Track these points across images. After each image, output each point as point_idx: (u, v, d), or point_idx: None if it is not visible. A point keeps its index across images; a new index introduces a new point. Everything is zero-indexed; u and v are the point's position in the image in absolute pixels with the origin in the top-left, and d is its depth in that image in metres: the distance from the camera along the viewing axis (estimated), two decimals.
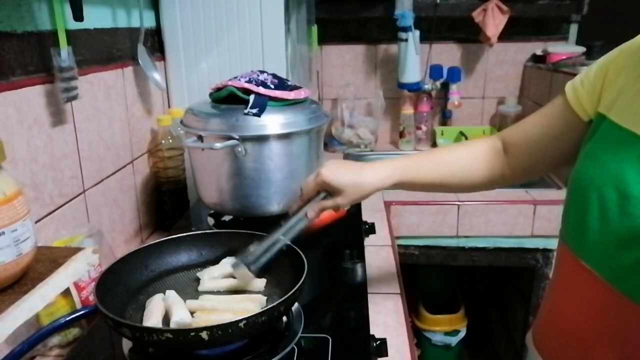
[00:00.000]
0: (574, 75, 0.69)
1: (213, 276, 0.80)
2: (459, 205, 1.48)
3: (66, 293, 0.80)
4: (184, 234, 0.86)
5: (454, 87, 1.97)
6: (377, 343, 0.74)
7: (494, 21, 1.84)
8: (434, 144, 2.05)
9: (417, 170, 0.79)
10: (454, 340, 1.88)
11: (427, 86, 1.97)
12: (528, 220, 1.47)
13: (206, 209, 1.19)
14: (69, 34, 0.88)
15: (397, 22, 1.82)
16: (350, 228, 1.15)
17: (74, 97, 0.90)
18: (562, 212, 0.65)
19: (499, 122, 2.05)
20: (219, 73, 1.31)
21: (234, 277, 0.81)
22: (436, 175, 0.79)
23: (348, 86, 2.02)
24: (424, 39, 1.89)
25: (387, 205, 1.45)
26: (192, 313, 0.70)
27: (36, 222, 0.81)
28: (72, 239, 0.86)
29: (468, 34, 1.97)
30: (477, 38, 1.93)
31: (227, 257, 0.84)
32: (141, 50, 1.17)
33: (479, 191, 0.81)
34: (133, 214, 1.20)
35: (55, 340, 0.81)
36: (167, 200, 1.27)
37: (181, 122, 1.05)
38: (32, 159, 0.82)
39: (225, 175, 1.02)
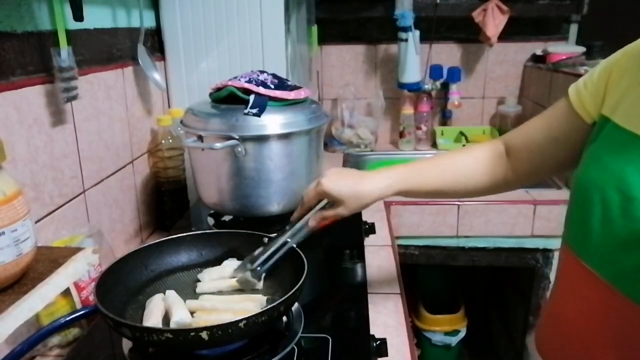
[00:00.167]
0: (574, 75, 0.69)
1: (212, 278, 0.80)
2: (459, 205, 1.48)
3: (66, 293, 0.80)
4: (184, 234, 0.86)
5: (454, 87, 1.97)
6: (377, 343, 0.74)
7: (494, 21, 1.84)
8: (434, 144, 2.05)
9: (418, 178, 0.78)
10: (454, 340, 1.88)
11: (427, 86, 1.96)
12: (528, 220, 1.47)
13: (206, 209, 1.19)
14: (69, 34, 0.88)
15: (397, 22, 1.82)
16: (350, 228, 1.15)
17: (74, 97, 0.90)
18: (565, 215, 0.65)
19: (499, 122, 2.05)
20: (219, 73, 1.31)
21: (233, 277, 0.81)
22: (438, 182, 0.78)
23: (348, 86, 2.02)
24: (424, 39, 1.89)
25: (387, 205, 1.45)
26: (192, 313, 0.70)
27: (36, 222, 0.81)
28: (72, 239, 0.86)
29: (468, 34, 1.97)
30: (477, 38, 1.93)
31: (229, 259, 0.84)
32: (141, 50, 1.17)
33: (482, 196, 0.80)
34: (133, 214, 1.20)
35: (55, 340, 0.81)
36: (167, 200, 1.27)
37: (181, 122, 1.05)
38: (32, 159, 0.82)
39: (225, 175, 1.02)
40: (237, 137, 0.96)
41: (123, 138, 1.14)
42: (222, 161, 1.01)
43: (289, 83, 1.08)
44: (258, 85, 1.01)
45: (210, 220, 1.16)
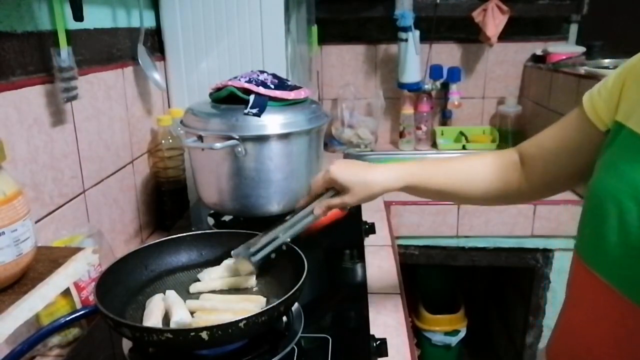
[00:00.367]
0: (574, 75, 0.68)
1: (212, 278, 0.81)
2: (459, 205, 1.48)
3: (66, 293, 0.80)
4: (184, 234, 0.86)
5: (454, 87, 1.97)
6: (377, 343, 0.74)
7: (494, 21, 1.84)
8: (434, 144, 2.05)
9: (428, 175, 0.76)
10: (454, 340, 1.88)
11: (427, 86, 1.96)
12: (528, 220, 1.47)
13: (206, 209, 1.19)
14: (69, 34, 0.88)
15: (397, 22, 1.82)
16: (350, 228, 1.15)
17: (74, 97, 0.90)
18: (577, 224, 0.62)
19: (499, 122, 2.05)
20: (219, 73, 1.31)
21: (231, 276, 0.81)
22: (447, 183, 0.76)
23: (348, 86, 2.02)
24: (424, 39, 1.89)
25: (387, 205, 1.45)
26: (192, 313, 0.71)
27: (36, 222, 0.81)
28: (72, 239, 0.86)
29: (468, 34, 1.97)
30: (477, 38, 1.93)
31: (229, 259, 0.84)
32: (141, 50, 1.17)
33: (492, 205, 0.78)
34: (133, 214, 1.20)
35: (55, 340, 0.81)
36: (167, 200, 1.27)
37: (181, 122, 1.05)
38: (32, 159, 0.82)
39: (225, 175, 1.02)
40: (237, 137, 0.96)
41: (123, 138, 1.14)
42: (222, 161, 1.01)
43: (289, 83, 1.08)
44: (258, 85, 1.01)
45: (210, 220, 1.16)
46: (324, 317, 0.85)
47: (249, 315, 0.61)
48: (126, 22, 1.16)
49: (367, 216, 1.26)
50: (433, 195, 0.78)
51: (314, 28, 1.76)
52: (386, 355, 0.73)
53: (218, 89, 1.05)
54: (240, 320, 0.60)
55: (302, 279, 0.69)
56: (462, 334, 1.89)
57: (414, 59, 1.87)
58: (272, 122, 0.98)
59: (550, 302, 1.57)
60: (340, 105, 2.01)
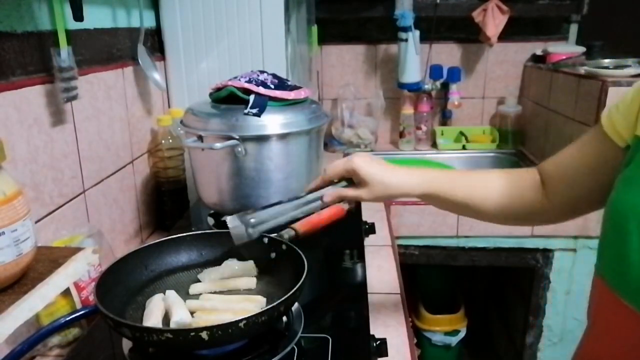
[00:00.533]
0: (574, 75, 0.68)
1: (211, 278, 0.81)
2: None
3: (66, 293, 0.80)
4: (184, 234, 0.86)
5: (454, 87, 1.97)
6: (377, 343, 0.74)
7: (494, 21, 1.84)
8: (434, 144, 2.05)
9: (450, 185, 0.74)
10: (454, 340, 1.88)
11: (427, 86, 1.96)
12: None
13: (206, 209, 1.19)
14: (69, 34, 0.88)
15: (397, 22, 1.82)
16: (350, 228, 1.15)
17: (74, 97, 0.90)
18: (597, 244, 0.59)
19: (499, 122, 2.05)
20: (219, 73, 1.31)
21: (231, 277, 0.81)
22: (469, 195, 0.73)
23: (348, 86, 2.02)
24: (424, 39, 1.89)
25: (387, 205, 1.45)
26: (192, 313, 0.71)
27: (36, 222, 0.81)
28: (72, 239, 0.86)
29: (468, 34, 1.97)
30: (477, 38, 1.93)
31: (229, 259, 0.84)
32: (141, 50, 1.17)
33: (514, 224, 0.74)
34: (133, 214, 1.20)
35: (55, 340, 0.81)
36: (167, 200, 1.27)
37: (181, 122, 1.05)
38: (32, 159, 0.82)
39: (225, 175, 1.02)
40: (237, 137, 0.96)
41: (123, 138, 1.14)
42: (222, 161, 1.01)
43: (289, 83, 1.08)
44: (258, 85, 1.01)
45: (210, 220, 1.16)
46: (324, 317, 0.85)
47: (249, 315, 0.61)
48: (126, 22, 1.16)
49: (367, 216, 1.26)
50: (451, 207, 0.76)
51: (314, 28, 1.76)
52: (386, 355, 0.73)
53: (218, 89, 1.05)
54: (240, 320, 0.60)
55: (302, 279, 0.69)
56: (462, 334, 1.89)
57: (414, 59, 1.87)
58: (272, 122, 0.98)
59: (550, 302, 1.57)
60: (340, 105, 2.01)
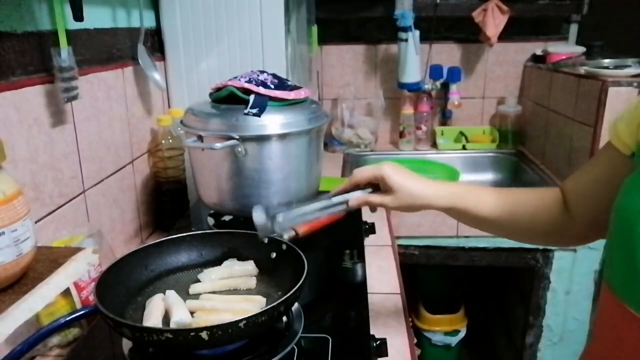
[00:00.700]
0: (574, 75, 0.67)
1: (211, 278, 0.81)
2: None
3: (66, 293, 0.80)
4: (184, 234, 0.86)
5: (454, 87, 1.97)
6: (377, 343, 0.74)
7: (494, 21, 1.84)
8: (434, 144, 2.05)
9: (476, 200, 0.73)
10: (454, 340, 1.88)
11: (427, 86, 1.97)
12: None
13: (206, 209, 1.19)
14: (69, 34, 0.88)
15: (397, 22, 1.82)
16: (350, 228, 1.15)
17: (74, 97, 0.90)
18: (604, 251, 0.60)
19: (499, 122, 2.05)
20: (219, 73, 1.31)
21: (231, 277, 0.81)
22: (495, 212, 0.73)
23: (348, 86, 2.02)
24: (424, 39, 1.89)
25: None
26: (192, 313, 0.71)
27: (36, 222, 0.81)
28: (72, 239, 0.86)
29: (468, 34, 1.97)
30: (477, 38, 1.93)
31: (229, 259, 0.84)
32: (141, 50, 1.17)
33: (539, 244, 0.73)
34: (133, 214, 1.20)
35: (55, 340, 0.81)
36: (167, 200, 1.27)
37: (181, 122, 1.05)
38: (32, 159, 0.82)
39: (225, 175, 1.02)
40: (237, 137, 0.96)
41: (123, 138, 1.14)
42: (222, 161, 1.01)
43: (289, 83, 1.08)
44: (258, 85, 1.01)
45: (210, 220, 1.16)
46: (324, 317, 0.85)
47: (249, 315, 0.61)
48: (126, 22, 1.16)
49: (367, 216, 1.26)
50: (476, 223, 0.76)
51: (314, 28, 1.76)
52: (386, 355, 0.73)
53: (218, 89, 1.05)
54: (240, 320, 0.60)
55: (302, 279, 0.69)
56: (462, 334, 1.89)
57: (414, 59, 1.87)
58: (272, 122, 0.98)
59: (550, 302, 1.57)
60: (340, 105, 2.01)
